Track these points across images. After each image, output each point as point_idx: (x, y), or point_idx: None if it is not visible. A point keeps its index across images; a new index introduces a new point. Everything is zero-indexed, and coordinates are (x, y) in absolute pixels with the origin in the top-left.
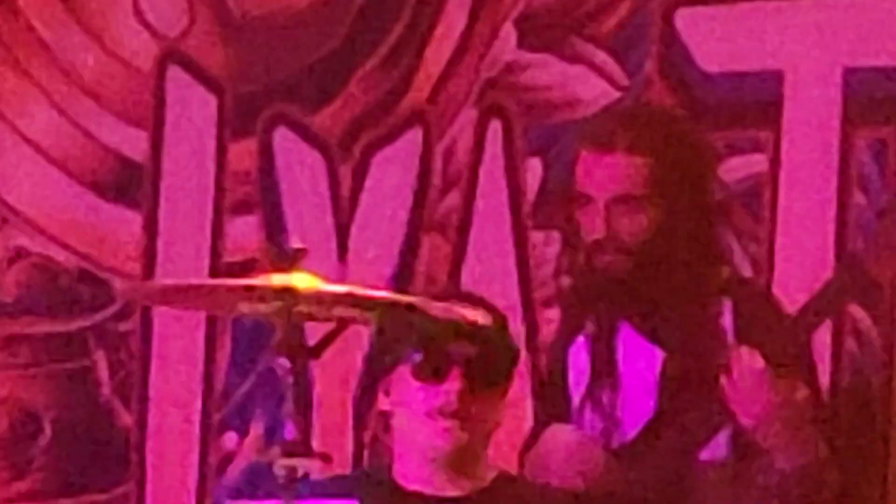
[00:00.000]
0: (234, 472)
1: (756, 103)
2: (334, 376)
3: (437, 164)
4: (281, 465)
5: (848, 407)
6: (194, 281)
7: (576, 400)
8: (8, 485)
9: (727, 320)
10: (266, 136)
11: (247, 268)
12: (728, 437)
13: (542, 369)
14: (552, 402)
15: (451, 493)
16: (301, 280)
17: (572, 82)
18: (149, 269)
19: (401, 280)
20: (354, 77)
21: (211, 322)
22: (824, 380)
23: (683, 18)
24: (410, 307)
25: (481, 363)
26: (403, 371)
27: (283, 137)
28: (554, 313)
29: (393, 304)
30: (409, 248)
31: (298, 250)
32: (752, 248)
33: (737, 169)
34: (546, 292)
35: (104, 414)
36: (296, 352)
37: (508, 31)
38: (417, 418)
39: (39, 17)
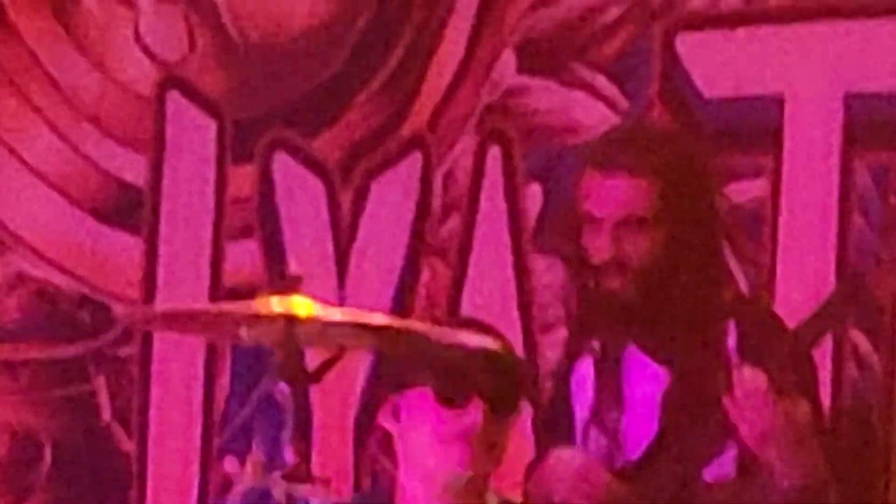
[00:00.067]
0: (235, 496)
1: (757, 128)
2: (334, 401)
3: (438, 189)
4: (281, 490)
5: (848, 430)
6: (194, 306)
7: (580, 421)
8: None
9: (731, 341)
10: (266, 161)
11: (247, 293)
12: (734, 457)
13: (544, 392)
14: (556, 424)
15: None
16: (301, 305)
17: (572, 107)
18: (149, 295)
19: (401, 305)
20: (354, 102)
21: (211, 347)
22: (825, 404)
23: (684, 43)
24: (411, 332)
25: (500, 391)
26: (415, 395)
27: (282, 162)
28: (554, 338)
29: (393, 330)
30: (410, 273)
31: (298, 275)
32: (753, 273)
33: (738, 193)
34: (546, 317)
35: (105, 439)
36: (296, 377)
37: (508, 56)
38: (433, 443)
39: (40, 42)
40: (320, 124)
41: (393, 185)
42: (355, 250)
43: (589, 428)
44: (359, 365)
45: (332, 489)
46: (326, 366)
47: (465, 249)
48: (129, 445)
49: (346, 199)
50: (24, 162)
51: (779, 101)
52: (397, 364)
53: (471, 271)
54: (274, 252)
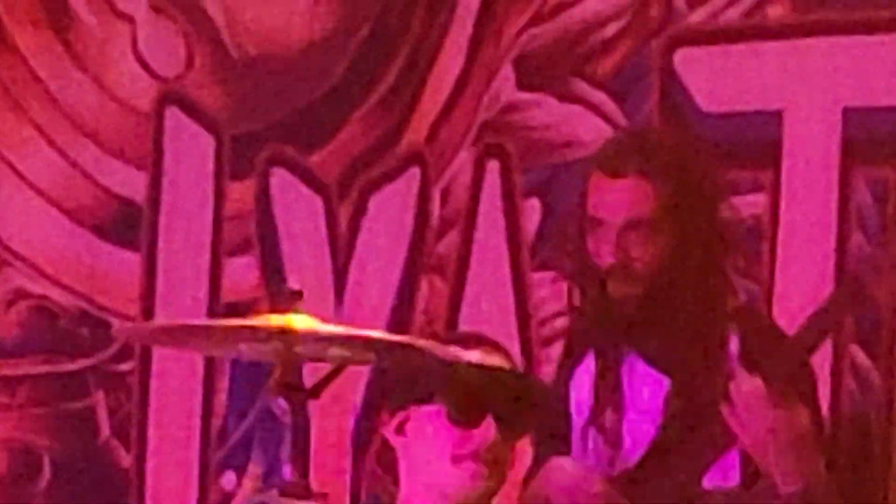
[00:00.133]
0: None
1: (756, 143)
2: (333, 417)
3: (436, 204)
4: None
5: (847, 441)
6: (193, 321)
7: (578, 427)
8: None
9: (734, 348)
10: (264, 177)
11: (245, 308)
12: (739, 463)
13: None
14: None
15: None
16: (299, 320)
17: (571, 123)
18: (148, 310)
19: (399, 320)
20: (352, 118)
21: (209, 362)
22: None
23: (683, 58)
24: (410, 347)
25: (514, 412)
26: (424, 412)
27: (280, 178)
28: (553, 353)
29: (392, 345)
30: (408, 289)
31: (297, 291)
32: (752, 287)
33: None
34: (545, 332)
35: (104, 454)
36: (294, 392)
37: (507, 72)
38: (443, 462)
39: (38, 57)
40: (318, 140)
41: (391, 200)
42: (353, 265)
43: (587, 430)
44: (357, 380)
45: None
46: (325, 381)
47: (463, 265)
48: (127, 460)
49: (344, 214)
50: (22, 178)
51: (777, 117)
52: (404, 379)
53: (469, 286)
54: (272, 267)
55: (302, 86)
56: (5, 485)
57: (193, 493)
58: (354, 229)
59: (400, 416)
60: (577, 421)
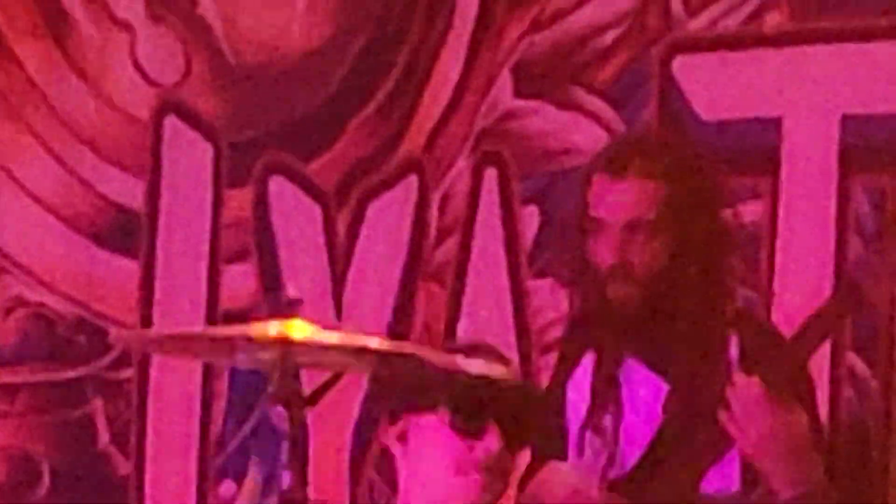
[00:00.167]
0: None
1: (754, 150)
2: (331, 425)
3: (434, 212)
4: None
5: (844, 451)
6: (191, 329)
7: (575, 429)
8: None
9: (733, 353)
10: (262, 185)
11: (243, 316)
12: (739, 468)
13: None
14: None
15: None
16: (297, 328)
17: (569, 130)
18: (146, 318)
19: (397, 328)
20: (350, 125)
21: (208, 370)
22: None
23: (681, 66)
24: (409, 356)
25: (516, 420)
26: (428, 421)
27: (278, 185)
28: (551, 360)
29: (391, 353)
30: (406, 296)
31: (295, 298)
32: (751, 294)
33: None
34: (543, 339)
35: (102, 462)
36: (292, 400)
37: (505, 79)
38: (446, 471)
39: (37, 66)
40: (316, 147)
41: (389, 208)
42: (352, 273)
43: (584, 431)
44: (355, 388)
45: None
46: (323, 389)
47: (461, 272)
48: (126, 468)
49: (342, 222)
50: (20, 185)
51: (776, 124)
52: (404, 388)
53: (467, 294)
54: (270, 275)
55: (300, 94)
56: (4, 492)
57: (192, 501)
58: (353, 237)
59: (401, 424)
60: (575, 422)
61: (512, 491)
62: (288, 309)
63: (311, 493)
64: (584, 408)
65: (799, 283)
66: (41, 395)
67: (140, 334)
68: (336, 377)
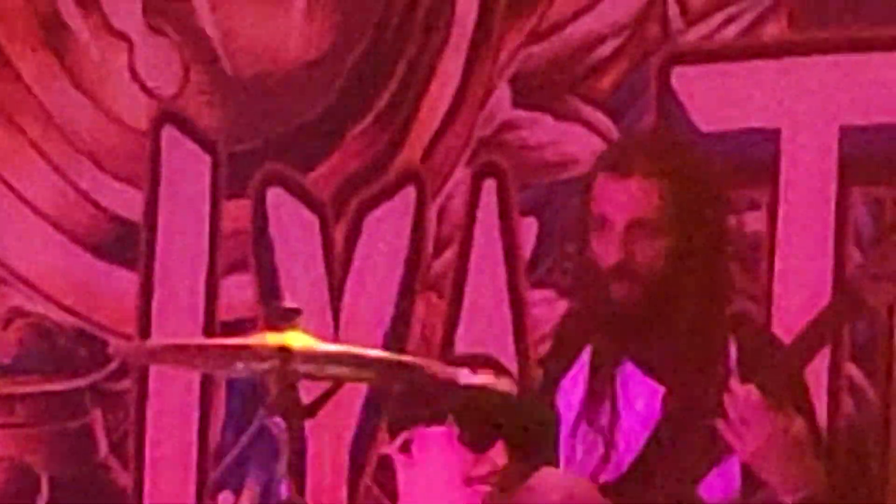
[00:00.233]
0: None
1: (753, 162)
2: (329, 435)
3: (432, 222)
4: None
5: (843, 460)
6: (190, 340)
7: (569, 424)
8: None
9: (732, 358)
10: (260, 195)
11: (242, 327)
12: (740, 473)
13: None
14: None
15: None
16: (296, 339)
17: (567, 141)
18: (144, 329)
19: (395, 339)
20: (348, 136)
21: (206, 381)
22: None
23: (680, 77)
24: (407, 366)
25: (524, 434)
26: (434, 433)
27: (276, 196)
28: None
29: (390, 364)
30: (404, 307)
31: (293, 309)
32: (750, 306)
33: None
34: (542, 350)
35: (101, 473)
36: (291, 411)
37: (503, 90)
38: (453, 483)
39: (36, 77)
40: (314, 158)
41: (387, 218)
42: (349, 284)
43: (578, 425)
44: (354, 398)
45: None
46: (322, 400)
47: (459, 283)
48: (125, 479)
49: (340, 232)
50: (20, 197)
51: (775, 135)
52: (406, 399)
53: (466, 305)
54: (268, 286)
55: (298, 104)
56: (3, 503)
57: None
58: (351, 247)
59: (404, 434)
60: (568, 418)
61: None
62: (286, 319)
63: (310, 503)
64: (576, 406)
65: (798, 294)
66: (40, 405)
67: (139, 345)
68: (335, 388)
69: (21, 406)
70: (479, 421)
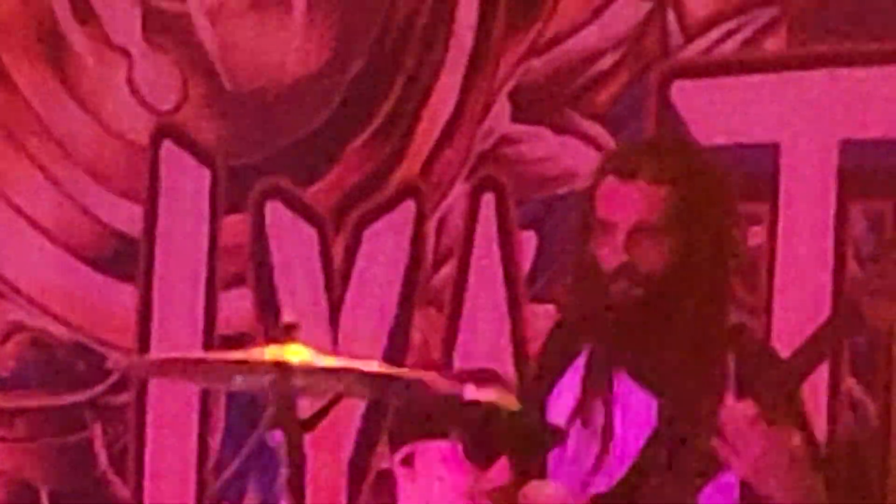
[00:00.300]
0: None
1: (753, 176)
2: (328, 449)
3: (430, 236)
4: None
5: (842, 474)
6: (189, 354)
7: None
8: None
9: (730, 369)
10: (259, 210)
11: (241, 341)
12: (739, 487)
13: None
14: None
15: None
16: (295, 353)
17: (567, 155)
18: (144, 343)
19: (394, 353)
20: (347, 150)
21: (205, 395)
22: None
23: (679, 91)
24: (408, 381)
25: (527, 450)
26: (438, 447)
27: (275, 210)
28: None
29: (389, 378)
30: (403, 321)
31: (292, 323)
32: (750, 320)
33: None
34: None
35: (101, 486)
36: (289, 425)
37: (502, 104)
38: (456, 497)
39: (35, 92)
40: (313, 172)
41: (386, 232)
42: (348, 298)
43: (571, 423)
44: (353, 412)
45: None
46: (320, 414)
47: (458, 297)
48: (124, 493)
49: (339, 246)
50: (19, 211)
51: (774, 149)
52: (408, 413)
53: (465, 319)
54: (267, 300)
55: (297, 119)
56: None
57: None
58: (350, 261)
59: (405, 448)
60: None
61: None
62: (285, 334)
63: None
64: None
65: (798, 308)
66: (40, 420)
67: (138, 359)
68: (334, 401)
69: (21, 420)
70: (483, 436)
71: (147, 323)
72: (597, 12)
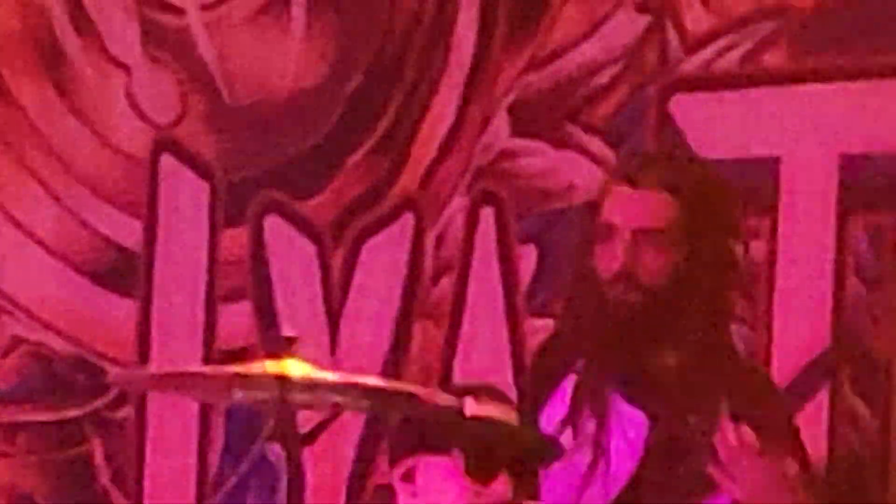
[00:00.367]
0: None
1: (753, 190)
2: (327, 462)
3: (429, 251)
4: None
5: (842, 490)
6: (188, 368)
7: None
8: None
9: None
10: (258, 223)
11: (240, 355)
12: None
13: None
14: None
15: None
16: (294, 367)
17: (566, 169)
18: (143, 357)
19: (393, 367)
20: (346, 164)
21: (205, 409)
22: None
23: (679, 105)
24: (405, 395)
25: (527, 466)
26: (438, 462)
27: (274, 224)
28: None
29: (387, 392)
30: (401, 336)
31: (291, 337)
32: (750, 335)
33: None
34: None
35: (101, 500)
36: (289, 439)
37: (501, 118)
38: None
39: (34, 106)
40: (312, 186)
41: (384, 246)
42: (347, 312)
43: (562, 431)
44: (352, 425)
45: None
46: (319, 428)
47: (457, 312)
48: None
49: (337, 260)
50: (18, 225)
51: (775, 163)
52: (408, 427)
53: (464, 334)
54: (266, 314)
55: (296, 133)
56: None
57: None
58: (348, 275)
59: (406, 463)
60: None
61: None
62: (284, 347)
63: None
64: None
65: (798, 323)
66: (40, 434)
67: (138, 373)
68: (332, 416)
69: (21, 434)
70: (484, 451)
71: (147, 337)
72: (596, 26)
